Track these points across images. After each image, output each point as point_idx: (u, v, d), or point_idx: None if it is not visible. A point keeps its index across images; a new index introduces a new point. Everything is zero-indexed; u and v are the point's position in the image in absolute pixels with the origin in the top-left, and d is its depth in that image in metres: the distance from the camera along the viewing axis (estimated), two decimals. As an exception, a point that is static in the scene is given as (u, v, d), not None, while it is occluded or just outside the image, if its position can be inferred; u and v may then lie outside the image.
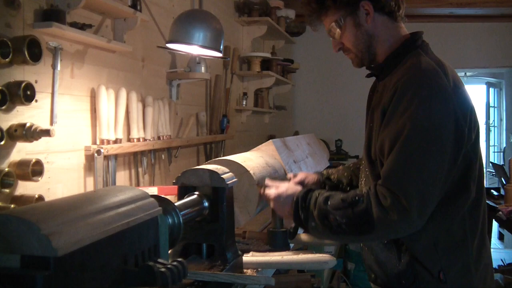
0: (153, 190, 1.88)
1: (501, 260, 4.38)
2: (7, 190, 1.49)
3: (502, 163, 6.32)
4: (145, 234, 0.98)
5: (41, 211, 0.78)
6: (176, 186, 1.48)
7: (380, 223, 1.24)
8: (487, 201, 1.61)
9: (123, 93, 2.04)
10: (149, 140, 2.24)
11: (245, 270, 1.48)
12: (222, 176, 1.44)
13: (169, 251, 1.25)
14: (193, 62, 2.66)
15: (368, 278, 1.53)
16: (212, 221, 1.43)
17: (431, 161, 1.25)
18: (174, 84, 2.71)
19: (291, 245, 1.76)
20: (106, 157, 1.96)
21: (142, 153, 2.28)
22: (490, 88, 8.43)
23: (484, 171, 2.07)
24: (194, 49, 2.22)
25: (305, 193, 1.42)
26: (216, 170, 1.45)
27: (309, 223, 1.38)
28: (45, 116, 1.69)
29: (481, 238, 1.40)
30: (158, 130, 2.36)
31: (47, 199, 1.62)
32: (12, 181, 1.51)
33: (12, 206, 1.51)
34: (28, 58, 1.51)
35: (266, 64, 4.07)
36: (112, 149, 1.94)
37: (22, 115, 1.58)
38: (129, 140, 2.15)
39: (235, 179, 1.51)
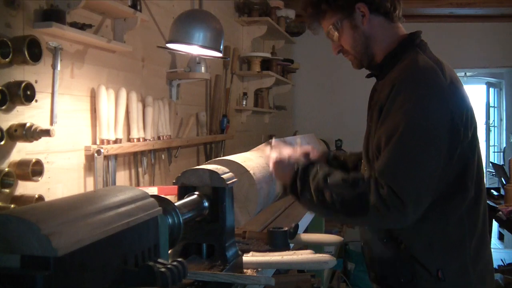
0: (153, 190, 1.88)
1: (501, 260, 4.38)
2: (7, 190, 1.49)
3: (502, 163, 6.32)
4: (145, 234, 0.98)
5: (41, 211, 0.78)
6: (176, 186, 1.48)
7: (374, 210, 1.24)
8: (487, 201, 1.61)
9: (123, 93, 2.04)
10: (149, 140, 2.24)
11: (245, 270, 1.48)
12: (222, 176, 1.44)
13: (169, 251, 1.25)
14: (193, 62, 2.65)
15: (369, 277, 1.54)
16: (212, 221, 1.43)
17: (427, 157, 1.25)
18: (174, 84, 2.71)
19: (291, 245, 1.76)
20: (106, 157, 1.96)
21: (142, 153, 2.28)
22: (490, 88, 8.42)
23: (484, 171, 2.07)
24: (194, 49, 2.22)
25: (307, 165, 1.43)
26: (216, 170, 1.45)
27: (304, 194, 1.38)
28: (45, 116, 1.69)
29: (481, 238, 1.40)
30: (158, 130, 2.36)
31: (47, 199, 1.62)
32: (12, 181, 1.51)
33: (12, 206, 1.51)
34: (28, 58, 1.50)
35: (266, 64, 4.06)
36: (112, 149, 1.94)
37: (22, 115, 1.58)
38: (129, 140, 2.15)
39: (235, 179, 1.51)
